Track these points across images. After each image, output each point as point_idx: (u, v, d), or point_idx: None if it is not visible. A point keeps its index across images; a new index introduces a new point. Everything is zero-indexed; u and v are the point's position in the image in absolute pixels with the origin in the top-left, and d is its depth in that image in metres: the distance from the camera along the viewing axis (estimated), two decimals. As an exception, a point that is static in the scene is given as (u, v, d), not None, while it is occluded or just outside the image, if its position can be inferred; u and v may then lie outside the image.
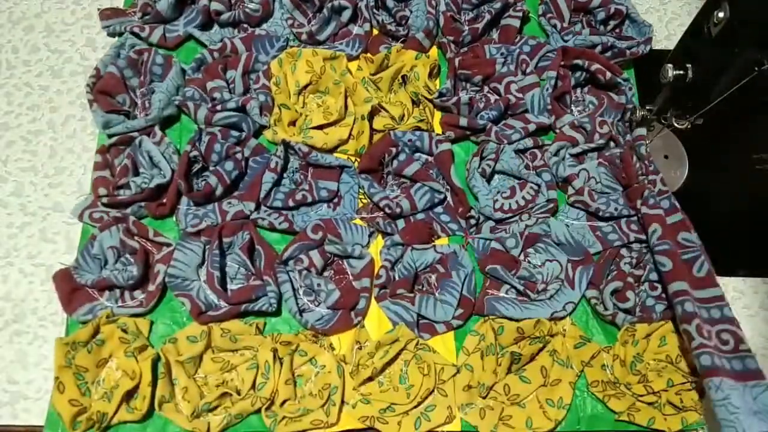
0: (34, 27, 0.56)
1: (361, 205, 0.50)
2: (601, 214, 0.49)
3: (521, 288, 0.46)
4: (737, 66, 0.39)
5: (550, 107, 0.53)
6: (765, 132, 0.54)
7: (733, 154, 0.54)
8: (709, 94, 0.42)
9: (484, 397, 0.43)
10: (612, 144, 0.52)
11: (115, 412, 0.41)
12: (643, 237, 0.47)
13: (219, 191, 0.48)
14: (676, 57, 0.44)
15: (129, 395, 0.42)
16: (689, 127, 0.45)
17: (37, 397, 0.42)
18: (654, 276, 0.47)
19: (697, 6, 0.43)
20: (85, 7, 0.57)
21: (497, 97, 0.54)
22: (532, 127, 0.52)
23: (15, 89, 0.53)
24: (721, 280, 0.48)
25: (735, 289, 0.49)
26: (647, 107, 0.49)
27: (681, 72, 0.43)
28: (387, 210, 0.48)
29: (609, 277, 0.47)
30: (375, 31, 0.57)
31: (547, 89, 0.53)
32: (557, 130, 0.53)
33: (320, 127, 0.52)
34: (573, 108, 0.55)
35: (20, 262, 0.47)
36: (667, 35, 0.60)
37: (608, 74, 0.52)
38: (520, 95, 0.53)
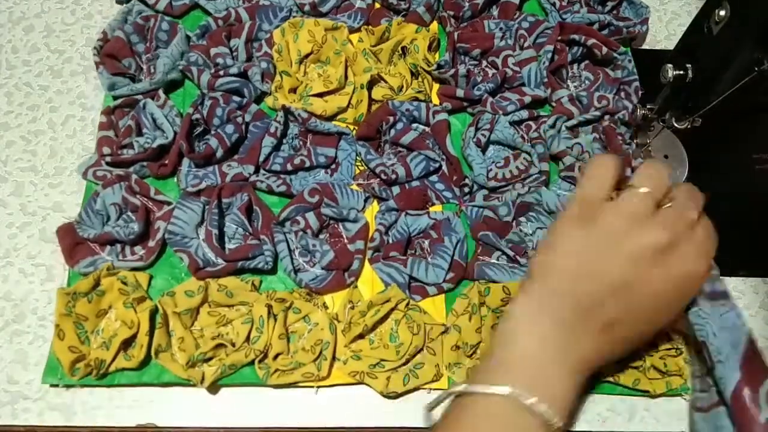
0: (34, 27, 0.56)
1: (357, 172, 0.52)
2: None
3: (511, 254, 0.47)
4: (737, 66, 0.39)
5: (546, 81, 0.54)
6: (765, 132, 0.54)
7: (733, 154, 0.54)
8: (709, 94, 0.42)
9: (470, 357, 0.44)
10: (608, 117, 0.53)
11: (113, 360, 0.42)
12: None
13: (219, 153, 0.49)
14: (676, 57, 0.44)
15: (127, 344, 0.43)
16: (689, 127, 0.46)
17: (37, 397, 0.42)
18: None
19: (697, 6, 0.43)
20: (85, 7, 0.58)
21: (495, 71, 0.55)
22: (527, 100, 0.53)
23: (15, 89, 0.53)
24: (721, 280, 0.48)
25: (735, 289, 0.48)
26: (647, 107, 0.49)
27: (681, 72, 0.43)
28: (383, 176, 0.49)
29: None
30: (377, 5, 0.58)
31: (544, 63, 0.54)
32: (554, 103, 0.54)
33: (320, 95, 0.53)
34: (569, 83, 0.56)
35: (20, 262, 0.47)
36: (667, 35, 0.60)
37: (605, 49, 0.53)
38: (517, 68, 0.54)
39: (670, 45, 0.52)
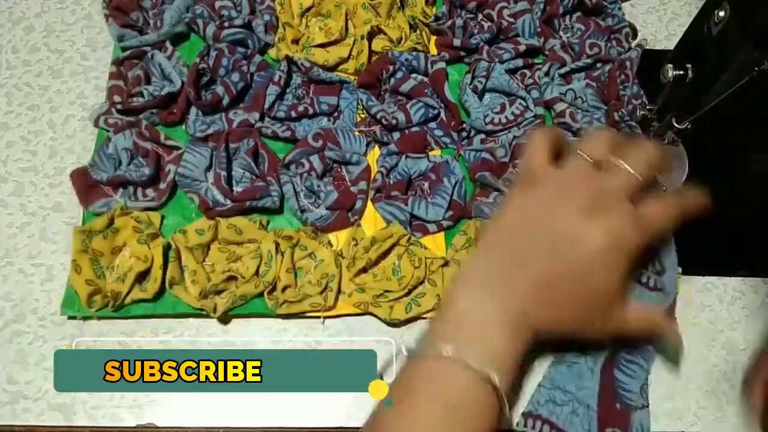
0: (34, 27, 0.56)
1: (359, 119, 0.53)
2: (583, 132, 0.51)
3: (507, 191, 0.48)
4: (737, 66, 0.39)
5: (539, 30, 0.56)
6: (765, 132, 0.54)
7: (732, 154, 0.54)
8: (709, 94, 0.42)
9: None
10: (600, 64, 0.55)
11: (129, 292, 0.44)
12: None
13: (226, 101, 0.51)
14: (676, 57, 0.44)
15: (141, 277, 0.45)
16: (689, 127, 0.45)
17: (37, 397, 0.42)
18: None
19: (697, 6, 0.43)
20: (85, 7, 0.58)
21: (490, 24, 0.57)
22: (522, 48, 0.54)
23: (15, 89, 0.53)
24: (721, 280, 0.48)
25: (735, 289, 0.49)
26: (647, 107, 0.49)
27: (681, 72, 0.43)
28: (383, 121, 0.51)
29: None
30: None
31: (537, 14, 0.56)
32: (547, 52, 0.56)
33: (322, 46, 0.55)
34: (561, 34, 0.58)
35: (20, 262, 0.47)
36: (667, 35, 0.60)
37: (595, -2, 0.55)
38: (512, 20, 0.56)
39: (670, 45, 0.52)
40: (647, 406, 0.36)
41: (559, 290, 0.35)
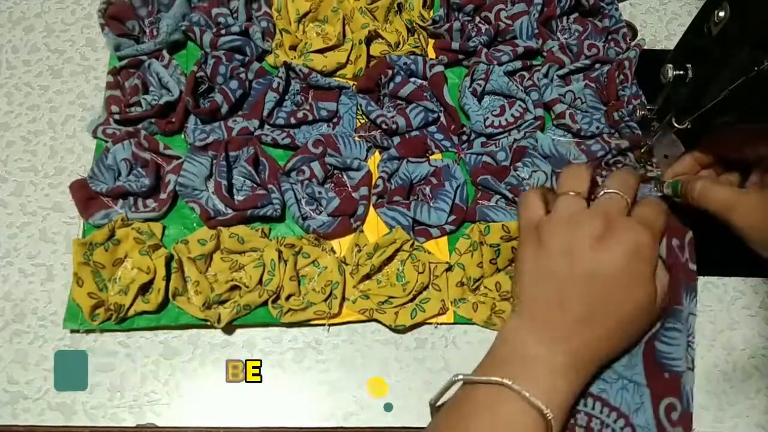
0: (34, 27, 0.56)
1: (358, 125, 0.53)
2: (583, 133, 0.52)
3: (510, 196, 0.49)
4: (737, 66, 0.39)
5: (537, 32, 0.56)
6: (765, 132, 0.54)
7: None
8: (709, 95, 0.42)
9: (474, 291, 0.46)
10: (598, 65, 0.55)
11: (132, 305, 0.44)
12: (624, 145, 0.51)
13: (224, 109, 0.51)
14: (676, 57, 0.44)
15: (144, 289, 0.44)
16: (689, 127, 0.45)
17: (36, 397, 0.42)
18: None
19: (697, 6, 0.43)
20: (85, 7, 0.58)
21: (488, 26, 0.56)
22: (520, 50, 0.55)
23: (15, 89, 0.53)
24: (721, 280, 0.48)
25: (735, 289, 0.49)
26: (647, 107, 0.49)
27: (681, 72, 0.43)
28: (383, 126, 0.51)
29: None
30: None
31: (535, 15, 0.56)
32: (545, 53, 0.56)
33: (320, 51, 0.55)
34: (559, 36, 0.58)
35: (20, 262, 0.47)
36: (667, 35, 0.60)
37: (592, -1, 0.55)
38: (509, 22, 0.56)
39: (670, 45, 0.52)
40: (692, 369, 0.37)
41: (605, 320, 0.35)
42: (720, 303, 0.48)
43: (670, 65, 0.43)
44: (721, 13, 0.38)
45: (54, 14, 0.57)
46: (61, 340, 0.44)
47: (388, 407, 0.44)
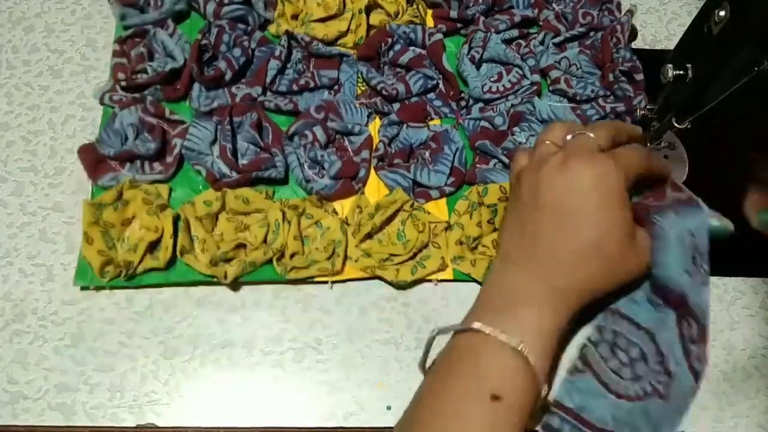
0: (34, 27, 0.56)
1: (359, 92, 0.55)
2: (578, 98, 0.53)
3: (506, 161, 0.50)
4: (737, 66, 0.39)
5: (533, 2, 0.57)
6: (764, 132, 0.54)
7: (733, 154, 0.54)
8: (709, 94, 0.42)
9: (473, 249, 0.48)
10: (593, 33, 0.56)
11: (140, 262, 0.45)
12: (619, 108, 0.52)
13: (228, 76, 0.52)
14: (676, 57, 0.45)
15: (152, 247, 0.46)
16: (689, 127, 0.45)
17: (36, 397, 0.42)
18: None
19: (697, 6, 0.43)
20: (85, 7, 0.58)
21: None
22: (517, 19, 0.56)
23: (15, 89, 0.53)
24: (721, 280, 0.48)
25: (735, 289, 0.49)
26: (647, 107, 0.49)
27: (681, 72, 0.43)
28: (384, 93, 0.52)
29: None
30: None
31: None
32: (541, 22, 0.57)
33: (321, 21, 0.56)
34: (555, 5, 0.59)
35: (20, 262, 0.47)
36: (667, 35, 0.60)
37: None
38: None
39: (670, 45, 0.52)
40: (706, 284, 0.38)
41: (576, 248, 0.36)
42: (720, 303, 0.48)
43: (670, 65, 0.43)
44: (722, 13, 0.38)
45: (54, 14, 0.57)
46: (61, 340, 0.44)
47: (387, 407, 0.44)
